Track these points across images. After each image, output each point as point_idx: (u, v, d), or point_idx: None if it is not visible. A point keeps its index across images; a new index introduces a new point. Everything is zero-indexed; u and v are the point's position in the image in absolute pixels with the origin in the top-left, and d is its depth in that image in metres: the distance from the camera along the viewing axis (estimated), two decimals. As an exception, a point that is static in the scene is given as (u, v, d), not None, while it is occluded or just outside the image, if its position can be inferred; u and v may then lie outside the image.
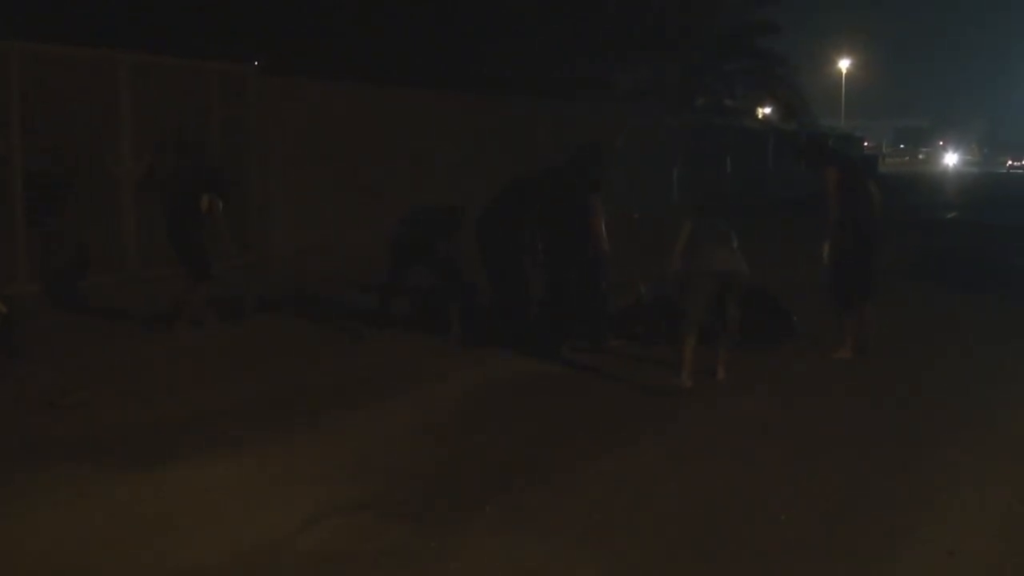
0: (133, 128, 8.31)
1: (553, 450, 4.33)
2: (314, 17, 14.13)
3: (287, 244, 9.75)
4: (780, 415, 4.97)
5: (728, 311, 5.49)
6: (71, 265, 7.88)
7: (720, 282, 5.35)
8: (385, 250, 6.91)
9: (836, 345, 6.11)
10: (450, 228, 6.67)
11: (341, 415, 4.82)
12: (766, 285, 6.54)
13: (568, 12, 17.37)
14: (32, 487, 3.79)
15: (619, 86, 19.27)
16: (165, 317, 6.76)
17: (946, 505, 3.74)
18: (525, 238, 6.55)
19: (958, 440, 4.55)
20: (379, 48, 14.33)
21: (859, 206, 5.96)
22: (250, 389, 5.31)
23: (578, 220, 6.17)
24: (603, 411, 5.03)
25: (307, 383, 5.50)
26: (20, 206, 7.51)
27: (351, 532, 3.41)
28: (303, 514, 3.52)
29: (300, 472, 4.00)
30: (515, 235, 6.56)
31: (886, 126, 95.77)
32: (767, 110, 29.29)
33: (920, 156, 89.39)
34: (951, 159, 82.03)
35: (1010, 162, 70.99)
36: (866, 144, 46.61)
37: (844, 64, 62.54)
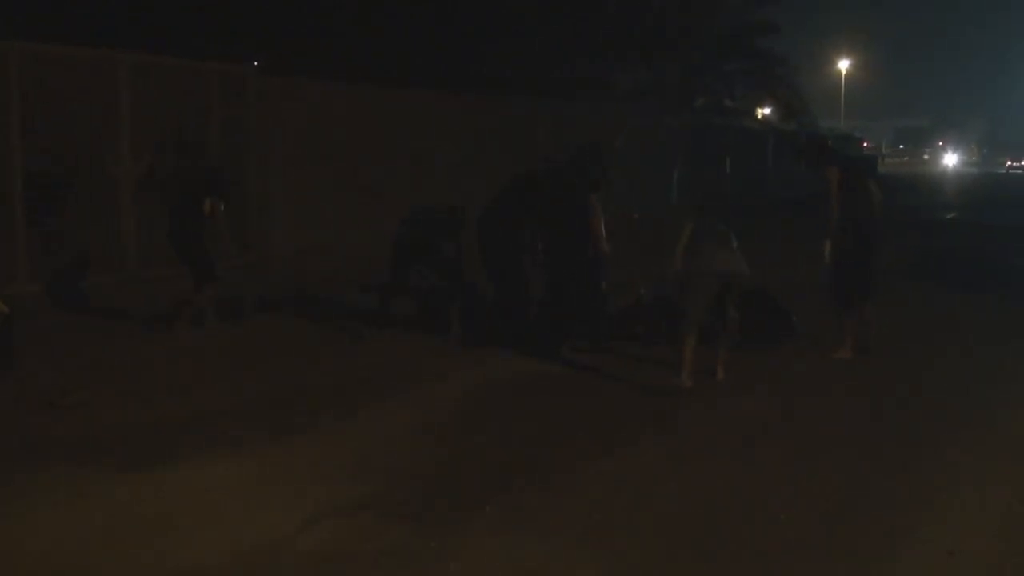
0: (133, 128, 8.31)
1: (553, 450, 4.33)
2: (314, 17, 14.12)
3: (287, 244, 9.75)
4: (780, 415, 4.98)
5: (728, 311, 5.49)
6: (71, 265, 7.88)
7: (720, 282, 5.35)
8: (386, 250, 6.91)
9: (836, 345, 6.12)
10: (453, 228, 6.67)
11: (341, 415, 4.82)
12: (766, 285, 6.54)
13: (568, 12, 17.37)
14: (32, 487, 3.79)
15: (619, 86, 19.27)
16: (165, 317, 6.76)
17: (946, 505, 3.75)
18: (525, 238, 6.55)
19: (958, 440, 4.55)
20: (379, 48, 14.33)
21: (859, 206, 5.97)
22: (250, 389, 5.31)
23: (578, 220, 6.17)
24: (603, 411, 5.03)
25: (307, 383, 5.50)
26: (20, 206, 7.51)
27: (351, 532, 3.41)
28: (303, 514, 3.52)
29: (300, 472, 4.00)
30: (515, 235, 6.56)
31: (886, 126, 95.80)
32: (767, 110, 29.29)
33: (925, 156, 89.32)
34: (950, 159, 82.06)
35: (1009, 162, 71.02)
36: (865, 144, 46.63)
37: (843, 64, 62.57)
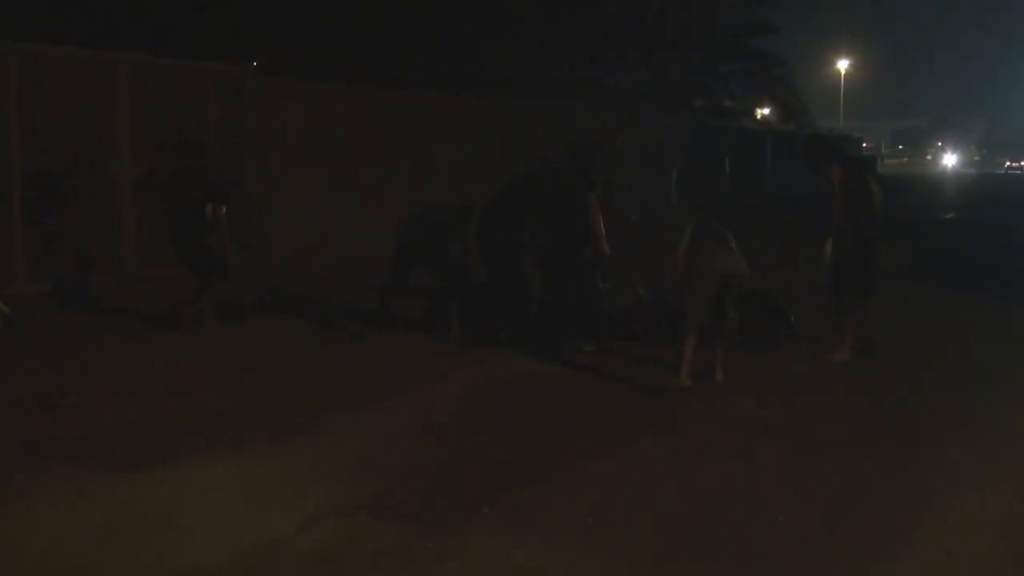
0: (132, 128, 8.31)
1: (553, 450, 4.33)
2: (314, 17, 14.13)
3: (287, 244, 9.75)
4: (780, 415, 4.97)
5: (727, 312, 5.49)
6: (70, 265, 7.88)
7: (721, 282, 5.35)
8: (386, 250, 6.91)
9: (835, 346, 6.11)
10: (459, 228, 6.66)
11: (341, 415, 4.82)
12: (765, 285, 6.53)
13: (568, 12, 17.37)
14: (32, 487, 3.79)
15: (619, 86, 19.27)
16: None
17: (946, 505, 3.74)
18: (525, 238, 6.55)
19: (958, 440, 4.55)
20: (379, 48, 14.33)
21: (861, 206, 5.96)
22: (250, 389, 5.31)
23: (577, 220, 6.17)
24: (603, 411, 5.02)
25: (307, 383, 5.50)
26: (19, 206, 7.51)
27: (351, 532, 3.41)
28: (303, 514, 3.52)
29: (300, 472, 4.00)
30: (515, 235, 6.56)
31: (885, 127, 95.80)
32: (765, 111, 29.30)
33: (928, 157, 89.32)
34: (949, 160, 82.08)
35: (1008, 163, 71.05)
36: (864, 145, 46.67)
37: (843, 65, 62.61)
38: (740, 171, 22.15)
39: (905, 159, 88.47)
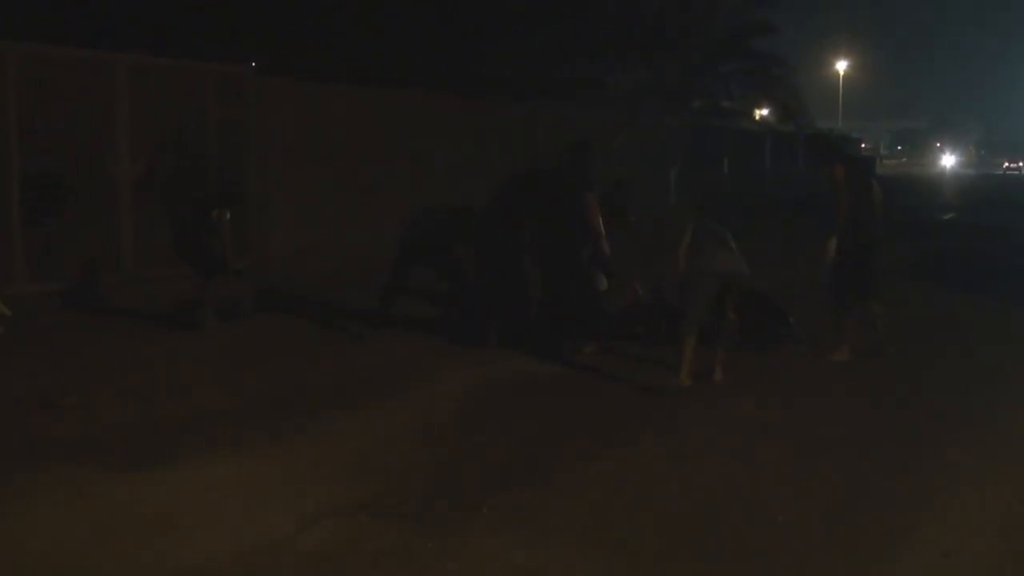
0: (132, 129, 8.31)
1: (553, 450, 4.33)
2: (314, 17, 14.13)
3: (287, 244, 9.75)
4: (780, 415, 4.97)
5: (726, 311, 5.49)
6: (70, 265, 7.88)
7: (721, 282, 5.35)
8: (385, 250, 6.91)
9: (835, 346, 6.11)
10: (459, 229, 6.66)
11: (341, 415, 4.82)
12: (765, 286, 6.53)
13: (568, 12, 17.38)
14: (32, 487, 3.79)
15: (619, 86, 19.28)
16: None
17: (946, 505, 3.74)
18: (525, 238, 6.55)
19: (958, 440, 4.55)
20: (379, 48, 14.33)
21: (862, 206, 5.96)
22: (250, 389, 5.31)
23: (577, 220, 6.17)
24: (603, 411, 5.02)
25: (307, 383, 5.50)
26: (18, 206, 7.50)
27: (351, 532, 3.41)
28: (303, 514, 3.52)
29: (300, 472, 4.00)
30: (515, 235, 6.56)
31: (885, 127, 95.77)
32: (764, 111, 29.32)
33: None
34: (948, 161, 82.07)
35: (1006, 164, 71.05)
36: (863, 145, 46.67)
37: (841, 65, 62.64)
38: (739, 171, 22.16)
39: (904, 160, 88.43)
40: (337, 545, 3.30)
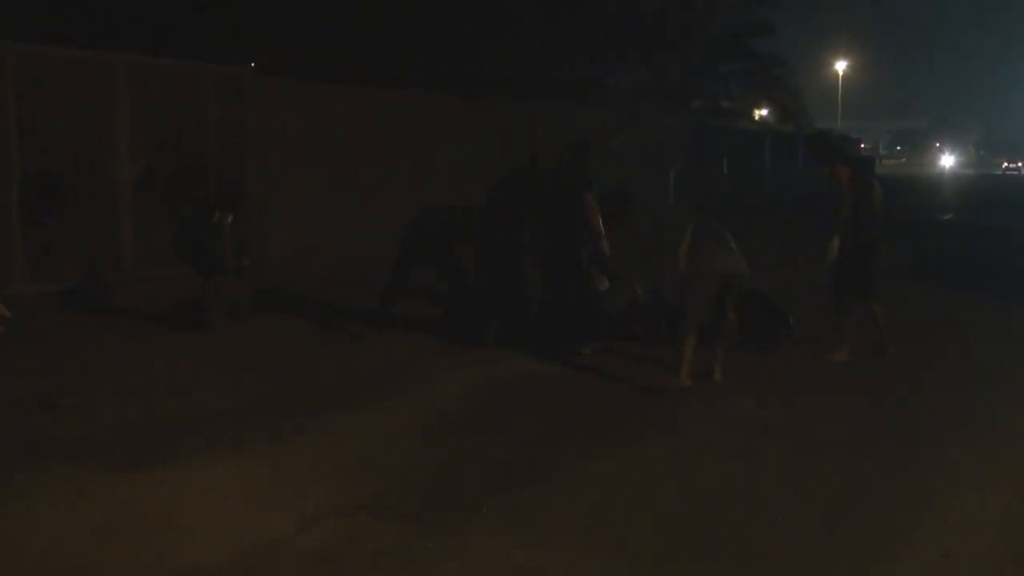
0: (131, 129, 8.30)
1: (553, 450, 4.33)
2: (314, 17, 14.13)
3: (287, 244, 9.75)
4: (780, 415, 4.98)
5: (726, 311, 5.49)
6: (69, 265, 7.88)
7: (721, 282, 5.35)
8: (385, 250, 6.91)
9: (834, 346, 6.10)
10: (461, 229, 6.66)
11: (341, 415, 4.82)
12: (764, 286, 6.54)
13: (568, 12, 17.39)
14: (32, 487, 3.79)
15: (619, 86, 19.30)
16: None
17: (946, 505, 3.74)
18: (525, 238, 6.54)
19: (958, 440, 4.55)
20: (379, 48, 14.34)
21: (863, 206, 5.96)
22: (250, 389, 5.31)
23: (577, 220, 6.17)
24: (603, 411, 5.02)
25: (307, 383, 5.50)
26: (17, 207, 7.50)
27: (351, 532, 3.41)
28: (303, 514, 3.52)
29: (300, 472, 4.00)
30: (515, 235, 6.55)
31: (884, 127, 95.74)
32: (763, 112, 29.36)
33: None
34: (947, 161, 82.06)
35: (1006, 164, 71.05)
36: (862, 145, 46.69)
37: (841, 65, 62.67)
38: (739, 171, 22.16)
39: (903, 160, 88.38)
40: (337, 545, 3.30)
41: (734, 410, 5.04)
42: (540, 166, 6.81)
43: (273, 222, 9.69)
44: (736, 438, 4.57)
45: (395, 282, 6.86)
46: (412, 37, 14.84)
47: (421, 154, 11.61)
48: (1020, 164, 69.68)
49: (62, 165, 7.92)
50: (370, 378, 5.61)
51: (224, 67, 9.34)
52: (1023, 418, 5.03)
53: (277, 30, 13.55)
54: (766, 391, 5.42)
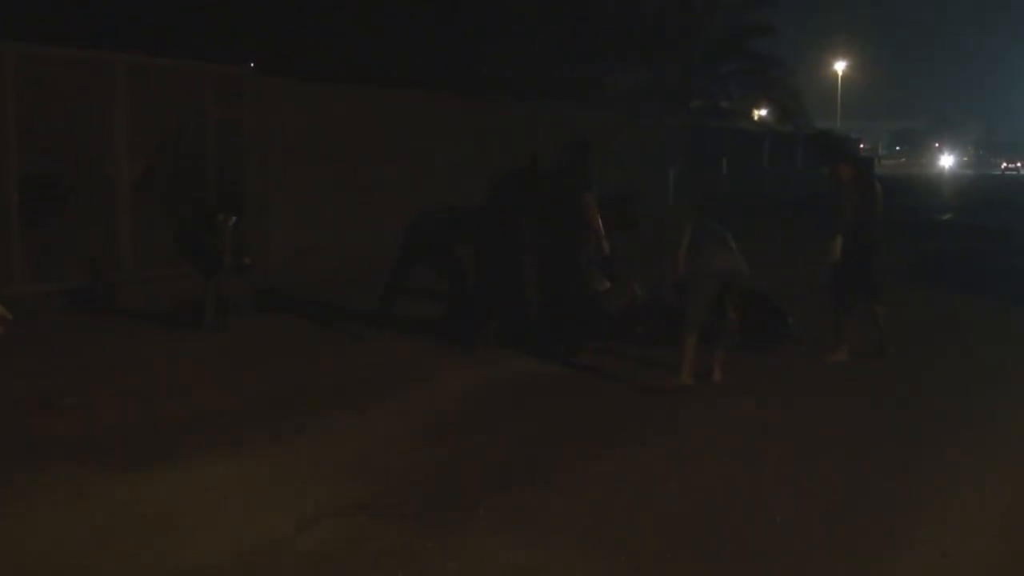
0: (131, 129, 8.30)
1: (553, 450, 4.33)
2: (314, 17, 14.14)
3: (287, 244, 9.74)
4: (780, 415, 4.98)
5: (726, 311, 5.49)
6: (69, 265, 7.88)
7: (721, 282, 5.35)
8: (388, 250, 6.90)
9: (833, 347, 6.09)
10: (461, 229, 6.66)
11: (341, 415, 4.82)
12: (764, 286, 6.54)
13: (568, 12, 17.40)
14: (32, 487, 3.78)
15: (619, 87, 19.31)
16: (186, 315, 6.80)
17: (946, 505, 3.75)
18: (524, 238, 6.55)
19: (958, 440, 4.55)
20: (379, 48, 14.34)
21: (864, 206, 5.93)
22: (250, 389, 5.31)
23: (577, 220, 6.17)
24: (603, 411, 5.03)
25: (307, 383, 5.50)
26: (17, 207, 7.50)
27: (351, 532, 3.41)
28: (303, 514, 3.52)
29: (300, 472, 4.00)
30: (514, 235, 6.55)
31: (884, 127, 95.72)
32: (763, 112, 29.39)
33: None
34: (946, 161, 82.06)
35: (1005, 164, 71.05)
36: (861, 145, 46.67)
37: (840, 66, 62.67)
38: (738, 171, 22.17)
39: (903, 160, 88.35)
40: (337, 545, 3.30)
41: (734, 410, 5.04)
42: (540, 166, 6.81)
43: (273, 222, 9.69)
44: (736, 438, 4.57)
45: (395, 282, 6.86)
46: (412, 37, 14.84)
47: (421, 154, 11.61)
48: (1019, 164, 69.70)
49: (62, 165, 7.91)
50: (370, 378, 5.61)
51: (224, 67, 9.34)
52: (1023, 418, 5.03)
53: (277, 30, 13.56)
54: (766, 391, 5.42)
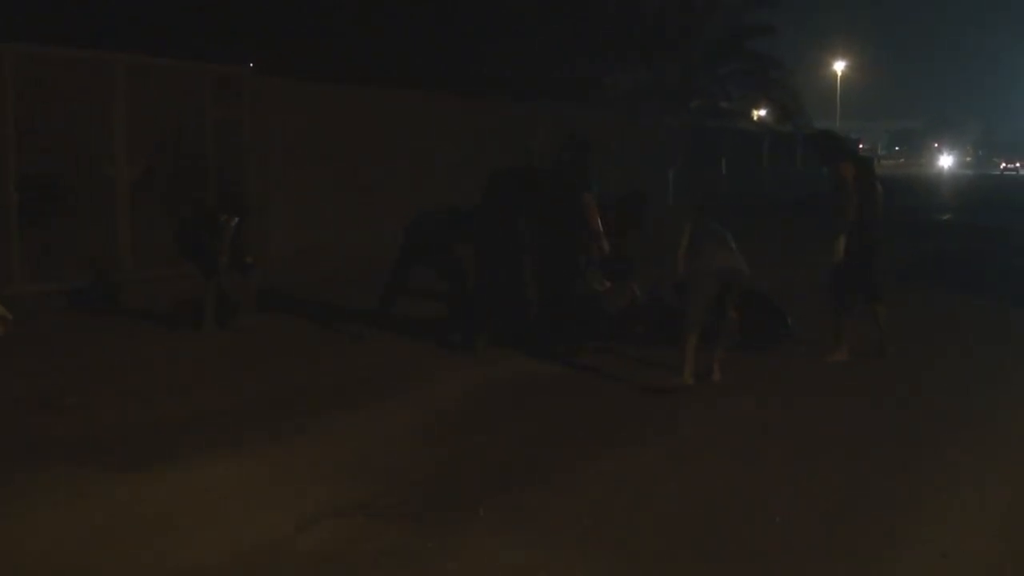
0: (130, 129, 8.30)
1: (553, 450, 4.33)
2: (314, 17, 14.14)
3: (287, 244, 9.75)
4: (780, 415, 4.98)
5: (726, 311, 5.49)
6: (69, 265, 7.88)
7: (721, 281, 5.35)
8: (388, 250, 6.91)
9: (833, 347, 6.08)
10: (461, 229, 6.66)
11: (341, 415, 4.82)
12: (764, 286, 6.53)
13: (568, 12, 17.41)
14: (32, 487, 3.78)
15: (618, 87, 19.32)
16: (186, 315, 6.80)
17: (946, 505, 3.74)
18: (524, 238, 6.54)
19: (958, 440, 4.55)
20: (379, 48, 14.34)
21: (866, 206, 5.90)
22: (250, 389, 5.31)
23: (577, 220, 6.17)
24: (603, 411, 5.03)
25: (307, 383, 5.50)
26: (17, 207, 7.50)
27: (351, 532, 3.41)
28: (303, 514, 3.51)
29: (300, 472, 4.00)
30: (514, 235, 6.55)
31: (884, 127, 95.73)
32: (762, 112, 29.40)
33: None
34: (945, 161, 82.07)
35: (1004, 164, 71.04)
36: (860, 146, 46.68)
37: (839, 66, 62.67)
38: (738, 171, 22.18)
39: (902, 160, 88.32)
40: (337, 545, 3.30)
41: (734, 410, 5.04)
42: (539, 166, 6.82)
43: (273, 222, 9.69)
44: (736, 438, 4.57)
45: (395, 282, 6.86)
46: (412, 37, 14.85)
47: (421, 154, 11.61)
48: (1018, 164, 69.68)
49: (62, 165, 7.91)
50: (370, 378, 5.61)
51: (223, 67, 9.34)
52: (1023, 418, 5.03)
53: (277, 30, 13.56)
54: (766, 391, 5.42)
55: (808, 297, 6.98)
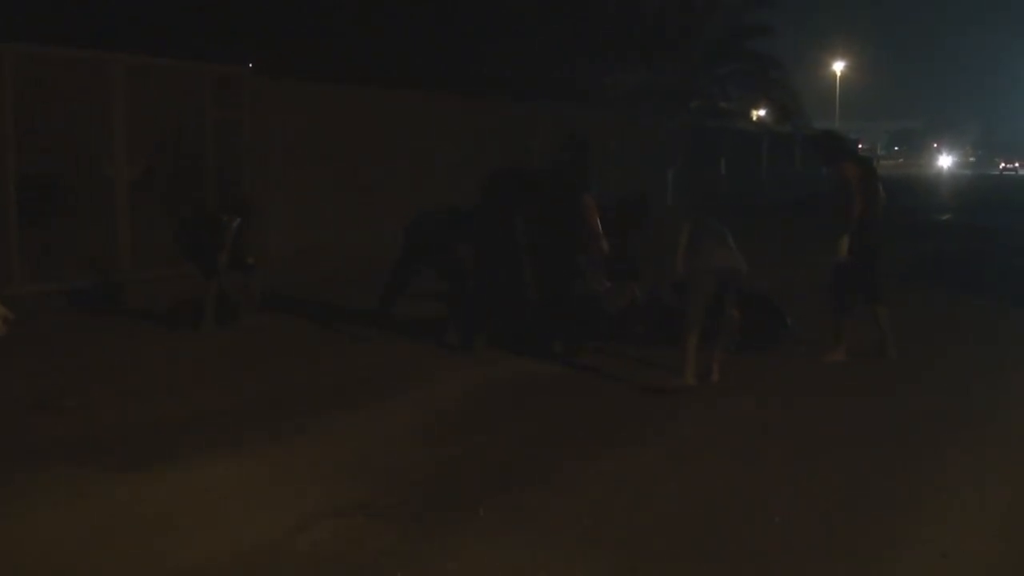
0: (130, 129, 8.30)
1: (553, 450, 4.33)
2: (314, 17, 14.14)
3: (287, 244, 9.75)
4: (780, 415, 4.98)
5: (726, 311, 5.49)
6: (69, 265, 7.88)
7: (720, 280, 5.35)
8: (388, 250, 6.91)
9: (832, 347, 6.08)
10: (461, 229, 6.66)
11: (341, 415, 4.82)
12: (764, 285, 6.54)
13: (568, 12, 17.41)
14: (32, 487, 3.78)
15: (619, 87, 19.32)
16: (186, 315, 6.80)
17: (946, 505, 3.75)
18: (524, 238, 6.54)
19: (958, 440, 4.55)
20: (379, 48, 14.34)
21: (867, 207, 5.90)
22: (250, 389, 5.31)
23: (576, 220, 6.17)
24: (603, 411, 5.03)
25: (307, 383, 5.50)
26: (16, 207, 7.50)
27: (350, 532, 3.41)
28: (303, 514, 3.52)
29: (300, 472, 4.00)
30: (514, 235, 6.55)
31: (884, 128, 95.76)
32: (761, 112, 29.41)
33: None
34: (945, 161, 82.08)
35: (1003, 164, 71.04)
36: (860, 146, 46.69)
37: (838, 66, 62.66)
38: (737, 172, 22.19)
39: (901, 160, 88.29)
40: (337, 545, 3.30)
41: (734, 410, 5.04)
42: (539, 166, 6.83)
43: (273, 222, 9.69)
44: (736, 438, 4.57)
45: (395, 282, 6.85)
46: (412, 37, 14.85)
47: (421, 154, 11.61)
48: (1017, 164, 69.69)
49: (61, 165, 7.92)
50: (370, 378, 5.61)
51: (223, 67, 9.34)
52: (1023, 418, 5.03)
53: (277, 30, 13.56)
54: (766, 391, 5.42)
55: (808, 297, 6.98)
